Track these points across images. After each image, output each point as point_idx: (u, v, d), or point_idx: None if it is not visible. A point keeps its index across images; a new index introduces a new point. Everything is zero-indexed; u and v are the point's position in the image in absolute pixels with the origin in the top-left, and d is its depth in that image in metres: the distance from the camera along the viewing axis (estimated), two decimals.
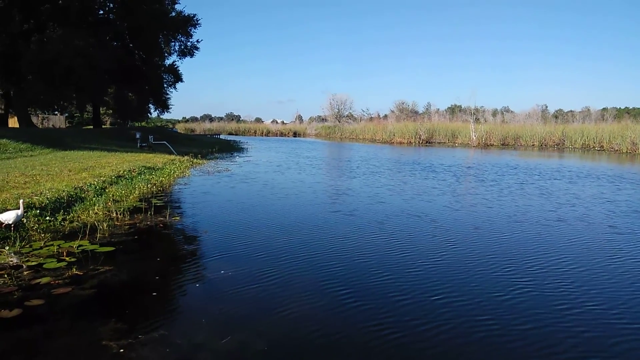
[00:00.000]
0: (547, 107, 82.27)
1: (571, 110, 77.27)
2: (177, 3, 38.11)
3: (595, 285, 6.07)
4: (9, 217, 7.04)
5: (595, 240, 8.51)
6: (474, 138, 49.88)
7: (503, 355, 4.21)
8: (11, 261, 6.21)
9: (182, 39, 39.44)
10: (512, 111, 74.50)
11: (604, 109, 70.97)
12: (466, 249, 7.68)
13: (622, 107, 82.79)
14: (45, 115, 50.53)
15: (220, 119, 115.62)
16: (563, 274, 6.45)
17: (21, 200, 7.37)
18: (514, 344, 4.38)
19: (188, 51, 40.16)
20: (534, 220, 10.19)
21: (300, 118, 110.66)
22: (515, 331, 4.63)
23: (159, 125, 73.30)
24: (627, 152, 39.87)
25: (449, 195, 13.69)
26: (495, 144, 49.52)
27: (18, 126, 31.61)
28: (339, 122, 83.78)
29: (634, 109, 79.45)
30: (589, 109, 69.55)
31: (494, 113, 69.87)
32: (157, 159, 19.95)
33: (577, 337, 4.54)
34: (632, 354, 4.28)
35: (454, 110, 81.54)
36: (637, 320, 4.98)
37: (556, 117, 71.34)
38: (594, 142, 45.65)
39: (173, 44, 39.75)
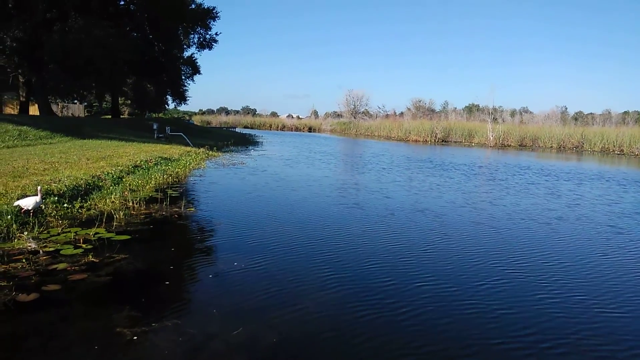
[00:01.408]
0: (566, 108, 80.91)
1: (591, 113, 76.01)
2: None
3: (577, 278, 6.38)
4: (28, 203, 7.17)
5: (588, 238, 8.84)
6: (491, 138, 49.32)
7: (477, 335, 4.54)
8: (29, 246, 6.33)
9: (201, 31, 39.71)
10: (531, 112, 73.53)
11: (626, 112, 69.65)
12: (463, 243, 8.00)
13: None
14: (65, 104, 51.26)
15: (237, 112, 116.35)
16: (547, 267, 6.77)
17: (39, 187, 7.48)
18: (489, 325, 4.75)
19: (207, 44, 40.39)
20: (532, 217, 10.47)
21: (315, 113, 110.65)
22: (490, 314, 5.01)
23: (176, 116, 73.94)
24: None
25: (454, 192, 13.93)
26: (512, 144, 48.90)
27: (38, 114, 32.12)
28: (355, 118, 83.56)
29: None
30: (609, 112, 68.33)
31: (513, 113, 68.93)
32: (174, 150, 20.13)
33: (552, 321, 4.90)
34: (601, 337, 4.65)
35: (471, 109, 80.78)
36: (611, 307, 5.40)
37: (576, 119, 70.25)
38: (614, 146, 44.79)
39: (192, 36, 40.05)
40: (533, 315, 5.02)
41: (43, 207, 7.69)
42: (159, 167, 14.64)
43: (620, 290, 5.94)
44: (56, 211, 7.87)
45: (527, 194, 14.21)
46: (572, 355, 4.22)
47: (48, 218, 7.60)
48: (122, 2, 33.69)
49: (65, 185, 9.05)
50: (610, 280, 6.34)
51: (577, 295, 5.67)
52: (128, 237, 7.06)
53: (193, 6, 38.09)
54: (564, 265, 6.87)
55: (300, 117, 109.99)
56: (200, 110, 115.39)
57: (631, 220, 10.62)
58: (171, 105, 49.25)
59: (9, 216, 6.92)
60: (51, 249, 6.22)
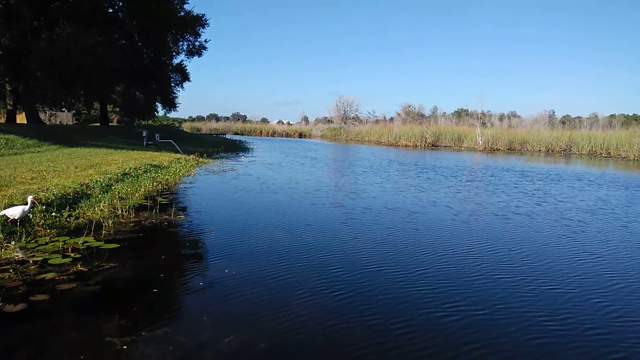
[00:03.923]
0: (554, 112, 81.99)
1: (579, 116, 77.03)
2: (186, 3, 38.29)
3: (519, 261, 7.20)
4: (15, 212, 7.08)
5: (541, 230, 9.56)
6: (480, 142, 49.71)
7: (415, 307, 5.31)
8: (17, 256, 6.25)
9: (191, 38, 39.61)
10: (519, 116, 74.29)
11: (612, 116, 70.79)
12: (433, 238, 8.66)
13: (631, 114, 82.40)
14: (53, 112, 50.80)
15: (227, 118, 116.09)
16: (495, 253, 7.60)
17: (30, 197, 7.37)
18: (425, 303, 5.38)
19: (196, 51, 40.32)
20: (494, 213, 11.35)
21: (306, 119, 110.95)
22: (429, 292, 5.71)
23: (166, 123, 73.67)
24: (634, 159, 39.58)
25: (430, 192, 14.67)
26: (501, 148, 49.33)
27: (26, 122, 31.80)
28: (345, 123, 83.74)
29: None
30: (596, 115, 69.36)
31: (501, 118, 69.60)
32: (163, 158, 20.03)
33: (488, 298, 5.63)
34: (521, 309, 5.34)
35: (460, 114, 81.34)
36: (544, 285, 6.18)
37: (563, 122, 71.08)
38: (601, 149, 45.35)
39: (181, 43, 39.91)
40: (475, 292, 5.75)
41: (30, 216, 7.60)
42: (148, 174, 14.55)
43: (553, 272, 6.69)
44: (44, 220, 7.78)
45: (499, 192, 15.06)
46: (496, 322, 4.92)
47: (36, 227, 7.51)
48: (110, 10, 33.55)
49: (53, 194, 8.96)
50: (547, 262, 7.15)
51: (518, 276, 6.46)
52: (117, 245, 7.00)
53: (182, 13, 38.05)
54: (512, 252, 7.70)
55: (290, 123, 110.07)
56: (190, 117, 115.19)
57: (588, 215, 11.38)
58: (160, 112, 49.08)
59: None
60: (39, 259, 6.14)
